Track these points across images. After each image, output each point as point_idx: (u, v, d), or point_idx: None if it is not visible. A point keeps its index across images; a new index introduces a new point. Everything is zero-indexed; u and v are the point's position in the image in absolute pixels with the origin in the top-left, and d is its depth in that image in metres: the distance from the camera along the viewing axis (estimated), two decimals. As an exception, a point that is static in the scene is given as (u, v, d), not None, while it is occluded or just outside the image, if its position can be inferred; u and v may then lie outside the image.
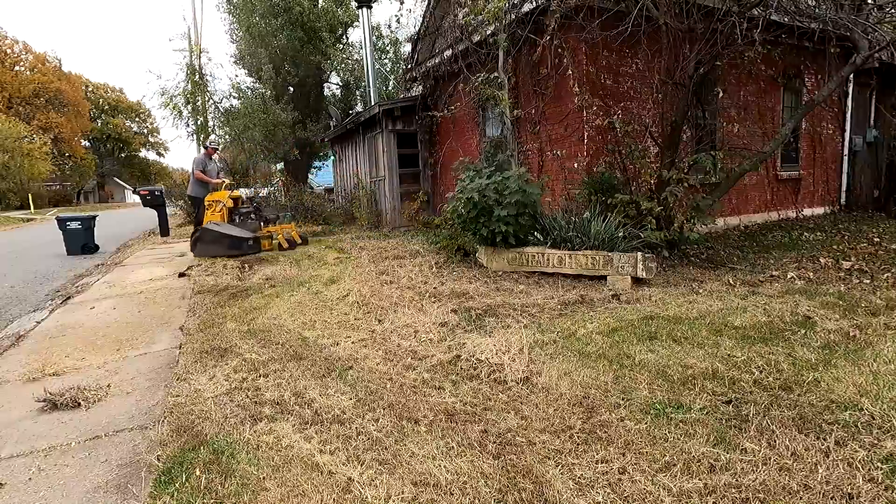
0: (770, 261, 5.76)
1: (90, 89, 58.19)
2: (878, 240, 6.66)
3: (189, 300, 5.24)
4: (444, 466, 2.00)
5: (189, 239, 8.26)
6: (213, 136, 11.39)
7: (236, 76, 21.44)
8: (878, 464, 1.88)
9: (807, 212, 9.40)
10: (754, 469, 1.89)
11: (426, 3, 10.14)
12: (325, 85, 18.95)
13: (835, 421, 2.19)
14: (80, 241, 10.15)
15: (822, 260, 5.59)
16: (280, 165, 19.36)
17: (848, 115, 9.88)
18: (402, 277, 5.54)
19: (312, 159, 18.90)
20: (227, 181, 9.09)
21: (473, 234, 5.91)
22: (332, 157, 16.28)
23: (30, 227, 20.30)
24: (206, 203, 8.71)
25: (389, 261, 6.64)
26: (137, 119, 64.33)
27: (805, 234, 7.44)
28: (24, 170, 36.55)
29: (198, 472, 2.05)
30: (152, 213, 12.99)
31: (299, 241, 8.74)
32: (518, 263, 5.61)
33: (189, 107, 18.67)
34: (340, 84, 19.73)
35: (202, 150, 9.46)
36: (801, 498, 1.73)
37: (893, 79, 10.18)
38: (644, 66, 6.90)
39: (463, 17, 7.59)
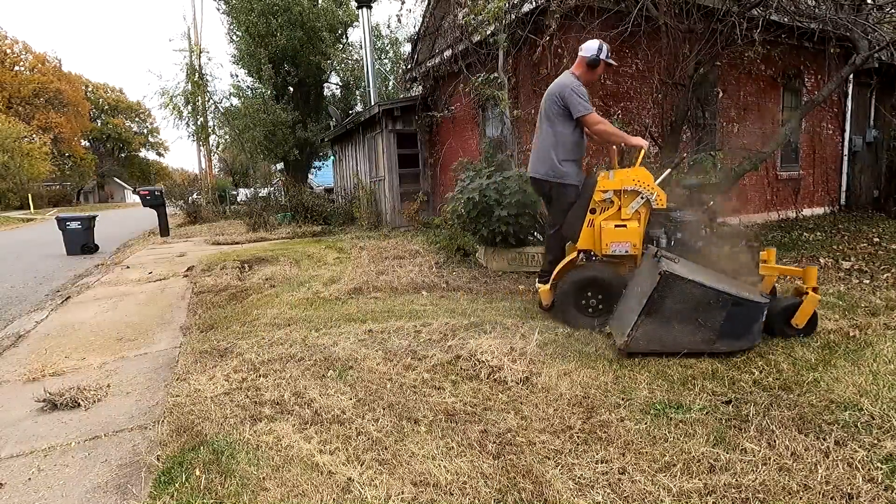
0: (770, 261, 5.75)
1: (90, 89, 58.19)
2: (878, 240, 6.66)
3: (189, 300, 5.23)
4: (444, 466, 2.00)
5: (546, 290, 3.92)
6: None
7: (236, 76, 21.44)
8: (878, 464, 1.88)
9: (806, 212, 9.40)
10: (754, 469, 1.89)
11: (426, 3, 10.14)
12: (325, 85, 18.97)
13: (835, 421, 2.19)
14: (80, 241, 10.16)
15: (821, 260, 5.59)
16: (280, 165, 19.38)
17: (848, 115, 9.87)
18: (401, 277, 5.54)
19: (312, 159, 18.92)
20: (644, 144, 3.65)
21: (473, 234, 5.91)
22: (332, 157, 16.30)
23: (29, 227, 20.30)
24: (596, 198, 3.64)
25: (389, 261, 6.64)
26: (137, 119, 64.34)
27: (805, 234, 7.43)
28: (24, 170, 36.54)
29: (198, 472, 2.05)
30: (152, 214, 13.00)
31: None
32: (518, 263, 5.61)
33: (189, 107, 18.71)
34: (340, 84, 19.76)
35: (581, 67, 3.82)
36: (801, 498, 1.73)
37: (893, 79, 10.18)
38: (644, 66, 6.90)
39: (463, 17, 7.59)
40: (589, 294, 3.62)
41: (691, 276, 2.90)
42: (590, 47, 3.78)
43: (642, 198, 3.55)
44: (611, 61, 3.87)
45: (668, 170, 3.81)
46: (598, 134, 3.79)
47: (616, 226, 3.59)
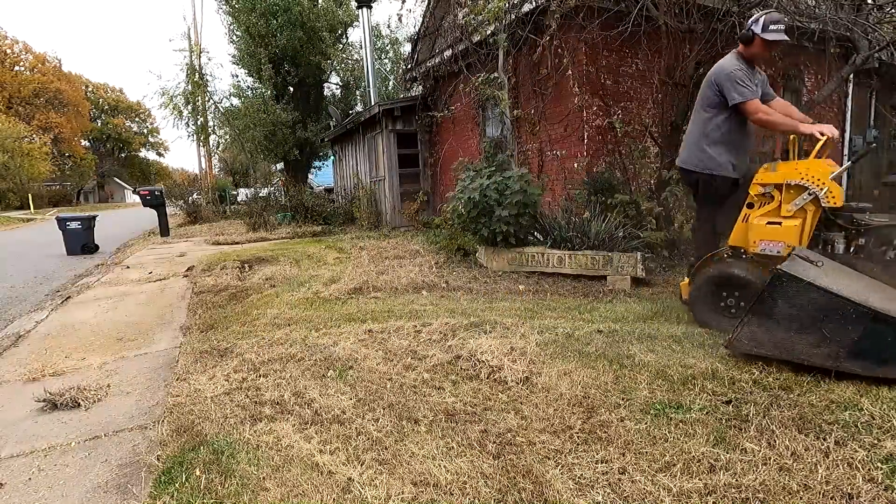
0: (770, 261, 5.75)
1: (90, 89, 58.20)
2: (878, 240, 6.65)
3: (189, 300, 5.23)
4: (444, 466, 2.00)
5: (692, 282, 3.55)
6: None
7: (236, 76, 21.49)
8: (878, 464, 1.88)
9: (807, 212, 9.39)
10: (754, 469, 1.89)
11: (426, 3, 10.14)
12: (325, 85, 18.98)
13: (835, 421, 2.19)
14: (80, 241, 10.16)
15: (822, 260, 5.58)
16: (280, 165, 19.40)
17: (848, 115, 9.87)
18: (401, 278, 5.54)
19: (312, 159, 18.93)
20: (827, 133, 3.11)
21: (473, 234, 5.91)
22: (332, 157, 16.31)
23: (30, 227, 20.30)
24: (752, 192, 3.37)
25: (389, 261, 6.65)
26: (137, 119, 64.34)
27: (805, 234, 7.43)
28: (24, 170, 36.55)
29: (198, 472, 2.05)
30: (152, 213, 13.00)
31: None
32: (518, 263, 5.61)
33: (189, 107, 18.71)
34: (340, 84, 19.78)
35: (742, 45, 3.43)
36: (801, 498, 1.73)
37: (893, 79, 10.17)
38: (644, 66, 6.90)
39: (463, 17, 7.59)
40: (725, 294, 3.35)
41: (820, 280, 2.51)
42: (749, 22, 3.39)
43: (809, 194, 3.08)
44: (772, 36, 3.29)
45: (849, 162, 3.30)
46: (759, 124, 3.43)
47: (769, 223, 3.23)
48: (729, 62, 3.44)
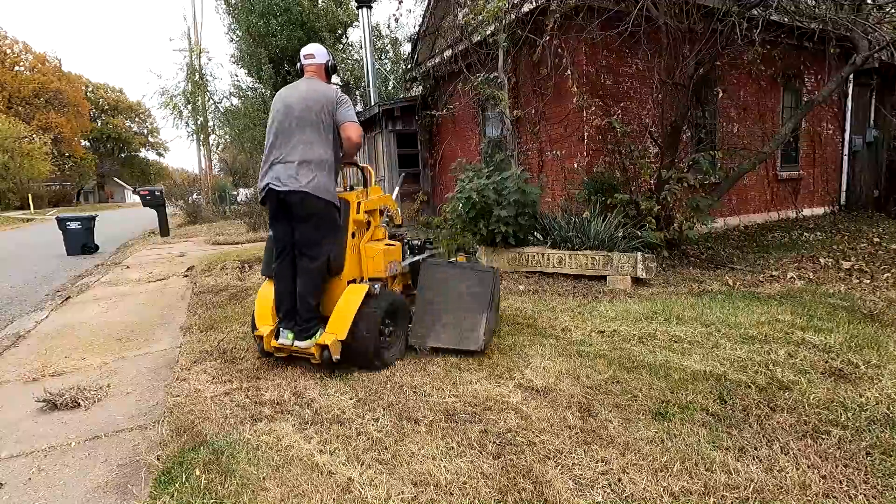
0: (770, 261, 5.75)
1: (90, 89, 58.14)
2: (878, 240, 6.66)
3: (189, 300, 5.23)
4: (444, 466, 2.00)
5: None
6: None
7: (236, 76, 21.50)
8: (878, 463, 1.88)
9: (807, 212, 9.40)
10: (753, 469, 1.89)
11: (426, 3, 10.14)
12: (325, 85, 18.96)
13: (834, 420, 2.19)
14: (80, 241, 10.16)
15: (821, 260, 5.59)
16: (280, 165, 19.38)
17: (848, 115, 9.87)
18: (401, 277, 5.53)
19: (312, 159, 18.89)
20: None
21: (473, 234, 5.90)
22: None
23: (30, 227, 20.30)
24: (362, 220, 3.32)
25: (389, 261, 6.63)
26: (137, 119, 64.28)
27: (805, 234, 7.43)
28: (24, 170, 36.52)
29: (198, 472, 2.05)
30: (152, 214, 13.01)
31: None
32: (518, 264, 5.61)
33: (189, 107, 18.72)
34: (340, 84, 19.75)
35: None
36: (799, 498, 1.73)
37: (893, 79, 10.17)
38: (644, 66, 6.90)
39: (463, 17, 7.59)
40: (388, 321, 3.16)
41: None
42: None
43: (387, 216, 3.63)
44: None
45: (397, 189, 3.58)
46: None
47: (387, 245, 3.37)
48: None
